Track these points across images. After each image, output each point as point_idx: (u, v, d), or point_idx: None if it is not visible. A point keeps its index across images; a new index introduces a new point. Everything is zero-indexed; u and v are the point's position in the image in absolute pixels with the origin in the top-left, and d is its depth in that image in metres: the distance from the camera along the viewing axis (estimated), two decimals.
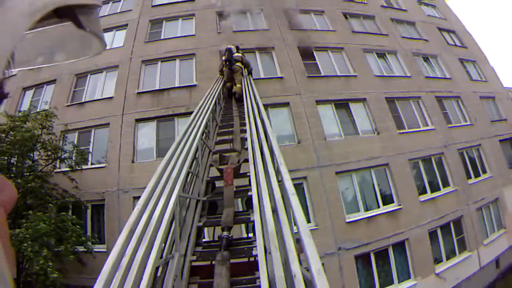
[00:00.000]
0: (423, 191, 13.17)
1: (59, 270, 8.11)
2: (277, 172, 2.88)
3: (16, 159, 10.11)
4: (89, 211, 11.46)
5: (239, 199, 5.90)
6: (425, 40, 18.01)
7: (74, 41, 0.47)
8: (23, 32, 0.31)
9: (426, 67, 17.04)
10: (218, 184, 5.15)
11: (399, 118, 14.18)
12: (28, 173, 10.04)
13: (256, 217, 2.52)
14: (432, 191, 13.34)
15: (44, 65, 0.51)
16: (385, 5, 18.75)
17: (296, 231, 1.88)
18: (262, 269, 1.86)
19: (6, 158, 9.79)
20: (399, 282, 11.32)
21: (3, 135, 9.70)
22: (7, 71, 0.35)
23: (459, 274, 12.31)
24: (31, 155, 10.54)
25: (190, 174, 4.11)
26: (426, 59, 17.34)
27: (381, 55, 16.11)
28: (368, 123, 13.53)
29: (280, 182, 2.62)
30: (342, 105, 13.61)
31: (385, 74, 15.37)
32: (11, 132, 9.70)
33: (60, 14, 0.38)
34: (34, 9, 0.31)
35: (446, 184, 13.90)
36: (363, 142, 12.88)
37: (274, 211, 2.36)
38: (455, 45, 19.51)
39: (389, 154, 12.88)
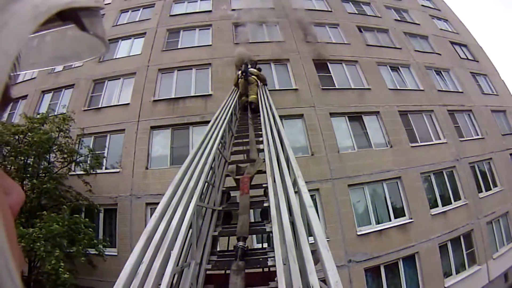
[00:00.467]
0: (434, 204, 13.00)
1: (70, 270, 8.13)
2: (294, 184, 2.91)
3: (32, 160, 10.13)
4: (101, 215, 11.50)
5: (253, 209, 5.86)
6: (438, 53, 17.92)
7: (78, 44, 0.48)
8: (28, 36, 0.31)
9: (438, 80, 16.92)
10: (233, 194, 5.21)
11: (412, 131, 14.08)
12: (43, 174, 10.13)
13: (274, 228, 2.51)
14: (443, 205, 13.17)
15: (48, 68, 0.52)
16: (399, 19, 18.76)
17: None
18: (281, 280, 1.84)
19: (23, 158, 9.84)
20: None
21: (21, 136, 9.78)
22: (13, 74, 0.35)
23: None
24: (48, 157, 10.61)
25: (207, 184, 4.08)
26: (438, 72, 17.24)
27: (395, 68, 16.05)
28: (381, 136, 13.46)
29: (297, 193, 2.66)
30: (355, 117, 13.58)
31: (399, 87, 15.30)
32: (29, 134, 9.77)
33: (63, 17, 0.38)
34: (38, 12, 0.32)
35: (457, 197, 13.73)
36: (376, 155, 12.79)
37: (292, 222, 2.38)
38: (467, 58, 19.39)
39: (402, 167, 12.76)
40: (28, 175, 9.91)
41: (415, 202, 12.44)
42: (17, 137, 9.76)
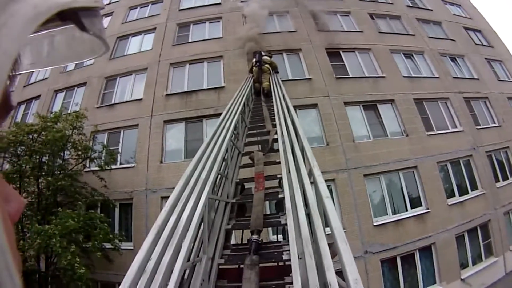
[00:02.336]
0: (451, 194, 12.48)
1: (86, 265, 8.11)
2: (310, 174, 2.72)
3: (47, 158, 10.15)
4: (117, 210, 11.42)
5: (268, 201, 5.84)
6: (452, 40, 17.14)
7: (78, 44, 0.45)
8: (28, 36, 0.29)
9: (453, 67, 16.17)
10: (248, 186, 5.03)
11: (427, 120, 13.50)
12: (58, 172, 10.11)
13: (289, 221, 2.31)
14: (460, 194, 12.62)
15: (47, 68, 0.50)
16: (411, 5, 18.02)
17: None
18: (296, 276, 1.69)
19: (38, 157, 9.81)
20: (424, 287, 10.72)
21: (35, 135, 9.73)
22: (13, 74, 0.35)
23: (485, 280, 11.61)
24: (62, 154, 10.60)
25: (219, 176, 3.96)
26: (453, 59, 16.48)
27: (408, 55, 15.41)
28: (397, 124, 12.93)
29: (313, 184, 2.49)
30: (370, 106, 13.07)
31: (413, 75, 14.67)
32: (43, 132, 9.75)
33: (63, 17, 0.36)
34: (38, 12, 0.30)
35: (474, 187, 13.13)
36: (391, 144, 12.29)
37: (308, 214, 2.25)
38: (482, 44, 18.51)
39: (418, 157, 12.25)
40: (43, 173, 9.84)
41: (432, 192, 11.96)
42: (31, 136, 9.69)
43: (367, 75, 13.91)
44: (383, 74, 14.00)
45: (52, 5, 0.32)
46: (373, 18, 16.36)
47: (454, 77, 15.50)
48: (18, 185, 9.37)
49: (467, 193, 12.85)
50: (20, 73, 0.39)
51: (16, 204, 0.35)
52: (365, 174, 11.45)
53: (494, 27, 21.01)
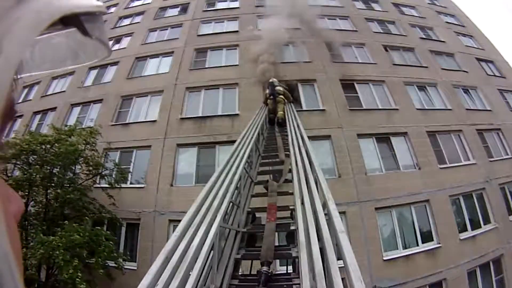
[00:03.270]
0: (463, 228, 12.05)
1: (87, 281, 7.96)
2: (324, 207, 2.68)
3: (58, 170, 10.09)
4: (123, 229, 11.27)
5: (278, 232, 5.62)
6: (465, 71, 17.02)
7: (80, 48, 0.46)
8: (30, 42, 0.29)
9: (466, 99, 15.99)
10: (259, 215, 4.98)
11: (440, 152, 13.25)
12: (68, 185, 10.01)
13: (302, 254, 2.24)
14: (472, 229, 12.20)
15: (49, 72, 0.49)
16: (424, 37, 18.10)
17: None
18: None
19: (49, 167, 9.76)
20: None
21: (48, 145, 9.69)
22: (16, 79, 0.34)
23: None
24: (73, 168, 10.57)
25: (231, 204, 3.89)
26: (466, 90, 16.30)
27: (422, 87, 15.29)
28: (409, 157, 12.71)
29: (327, 217, 2.45)
30: (383, 139, 12.91)
31: (426, 107, 14.54)
32: (56, 144, 9.72)
33: (66, 22, 0.36)
34: (41, 19, 0.30)
35: (487, 220, 12.69)
36: (404, 177, 12.06)
37: (321, 248, 2.17)
38: (494, 75, 18.32)
39: (430, 190, 11.93)
40: (53, 184, 9.82)
41: (444, 226, 11.59)
42: (44, 146, 9.64)
43: (380, 107, 13.82)
44: (396, 106, 13.89)
45: (55, 11, 0.33)
46: (387, 50, 16.39)
47: (467, 109, 15.29)
48: (26, 193, 9.34)
49: (480, 227, 12.41)
50: (23, 77, 0.39)
51: (17, 205, 0.35)
52: (376, 207, 11.19)
53: (506, 57, 20.80)
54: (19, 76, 0.36)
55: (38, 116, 15.63)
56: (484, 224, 12.60)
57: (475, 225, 12.43)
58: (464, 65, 17.35)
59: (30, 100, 16.68)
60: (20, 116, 15.54)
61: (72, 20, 0.38)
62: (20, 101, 15.13)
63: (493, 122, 15.60)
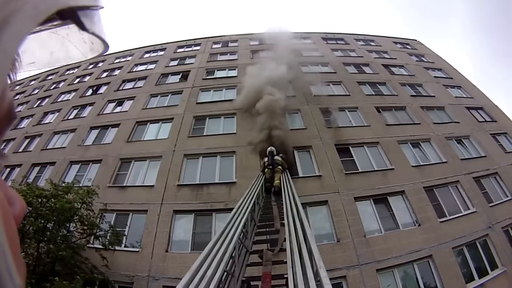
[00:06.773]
0: (470, 278, 11.41)
1: None
2: (316, 275, 2.70)
3: (52, 225, 9.55)
4: None
5: None
6: (456, 122, 17.13)
7: (77, 43, 0.45)
8: (27, 34, 0.29)
9: (460, 149, 15.93)
10: (254, 283, 4.95)
11: (439, 206, 12.95)
12: (61, 241, 9.57)
13: None
14: (480, 277, 11.56)
15: (46, 67, 0.49)
16: (414, 94, 18.44)
17: None
18: None
19: (42, 221, 9.23)
20: None
21: (44, 199, 9.36)
22: (13, 73, 0.34)
23: None
24: (68, 225, 10.02)
25: (225, 273, 3.85)
26: (459, 141, 16.28)
27: (416, 144, 15.35)
28: (408, 215, 12.43)
29: (319, 283, 2.46)
30: (380, 199, 12.73)
31: (421, 163, 14.47)
32: (52, 199, 9.39)
33: (63, 16, 0.36)
34: (38, 11, 0.30)
35: (494, 266, 12.03)
36: (404, 236, 11.72)
37: None
38: (485, 120, 18.35)
39: (432, 245, 11.52)
40: (46, 239, 9.36)
41: (450, 279, 11.00)
42: (40, 200, 9.33)
43: (376, 169, 13.75)
44: (391, 166, 13.84)
45: (52, 3, 0.32)
46: (379, 111, 16.68)
47: (462, 159, 15.18)
48: None
49: (487, 274, 11.77)
50: (20, 72, 0.37)
51: (19, 207, 0.34)
52: (377, 269, 10.75)
53: (495, 100, 20.91)
54: (16, 72, 0.35)
55: (37, 169, 15.47)
56: (492, 270, 11.98)
57: (482, 273, 11.78)
58: (455, 116, 17.46)
59: (30, 151, 16.75)
60: (19, 165, 15.56)
61: (69, 14, 0.38)
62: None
63: (489, 167, 15.35)
